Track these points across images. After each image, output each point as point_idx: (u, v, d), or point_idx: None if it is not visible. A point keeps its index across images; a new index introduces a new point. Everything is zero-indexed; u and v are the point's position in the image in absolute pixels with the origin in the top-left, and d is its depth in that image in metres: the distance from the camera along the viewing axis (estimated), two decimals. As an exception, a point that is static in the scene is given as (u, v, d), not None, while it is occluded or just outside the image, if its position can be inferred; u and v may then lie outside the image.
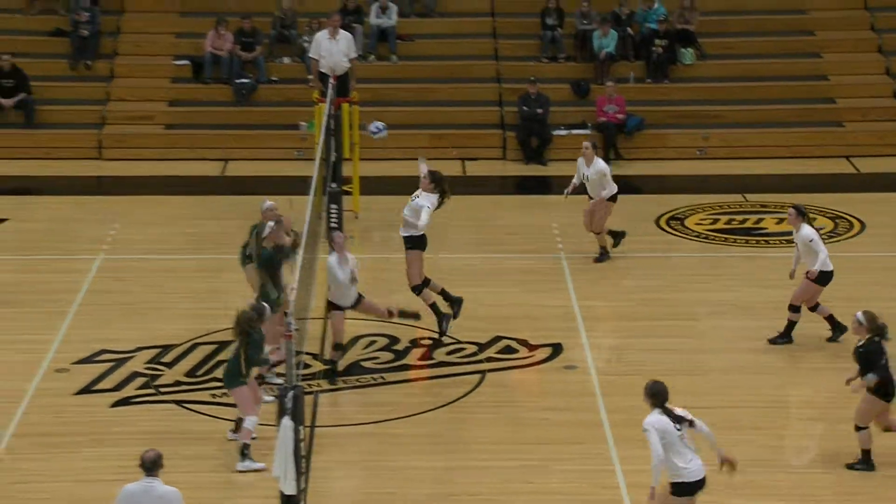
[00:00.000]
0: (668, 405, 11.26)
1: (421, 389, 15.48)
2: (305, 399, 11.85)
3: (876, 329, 13.30)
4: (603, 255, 18.89)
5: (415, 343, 16.44)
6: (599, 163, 18.63)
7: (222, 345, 16.08)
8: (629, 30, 25.47)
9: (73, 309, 17.22)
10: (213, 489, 12.99)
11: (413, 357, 16.16)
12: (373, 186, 21.07)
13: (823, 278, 15.86)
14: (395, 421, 14.50)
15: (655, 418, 11.18)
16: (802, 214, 16.04)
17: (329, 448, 13.75)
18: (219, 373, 15.40)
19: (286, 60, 25.49)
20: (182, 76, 25.31)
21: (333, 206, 19.44)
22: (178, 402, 14.87)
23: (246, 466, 13.24)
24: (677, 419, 11.22)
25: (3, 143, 23.75)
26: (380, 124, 20.05)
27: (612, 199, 18.68)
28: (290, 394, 11.38)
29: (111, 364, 15.71)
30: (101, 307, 17.42)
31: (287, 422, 11.32)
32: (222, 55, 24.95)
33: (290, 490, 11.37)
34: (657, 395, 11.26)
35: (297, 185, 20.70)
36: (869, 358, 13.19)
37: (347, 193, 20.26)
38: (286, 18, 25.58)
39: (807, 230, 15.94)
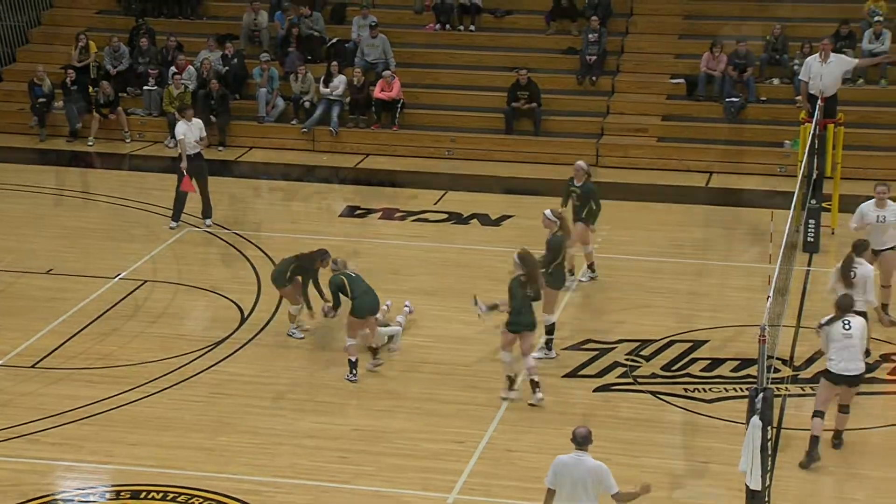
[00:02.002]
0: None
1: (893, 402, 14.73)
2: (774, 401, 11.57)
3: None
4: None
5: (885, 358, 15.69)
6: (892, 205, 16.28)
7: (697, 343, 15.99)
8: None
9: (565, 300, 17.58)
10: (682, 476, 12.91)
11: (883, 371, 15.42)
12: (852, 205, 20.22)
13: None
14: (861, 431, 13.88)
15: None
16: None
17: (794, 450, 13.36)
18: (693, 369, 15.39)
19: (776, 82, 24.98)
20: (676, 93, 25.31)
21: (811, 221, 18.99)
22: (653, 393, 14.90)
23: None
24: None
25: (514, 147, 24.57)
26: None
27: None
28: (761, 395, 11.16)
29: (595, 352, 15.92)
30: (589, 300, 17.68)
31: (756, 421, 11.11)
32: (715, 75, 24.78)
33: (756, 485, 11.16)
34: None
35: (777, 200, 20.34)
36: None
37: (826, 210, 19.62)
38: (777, 42, 25.05)
39: None
